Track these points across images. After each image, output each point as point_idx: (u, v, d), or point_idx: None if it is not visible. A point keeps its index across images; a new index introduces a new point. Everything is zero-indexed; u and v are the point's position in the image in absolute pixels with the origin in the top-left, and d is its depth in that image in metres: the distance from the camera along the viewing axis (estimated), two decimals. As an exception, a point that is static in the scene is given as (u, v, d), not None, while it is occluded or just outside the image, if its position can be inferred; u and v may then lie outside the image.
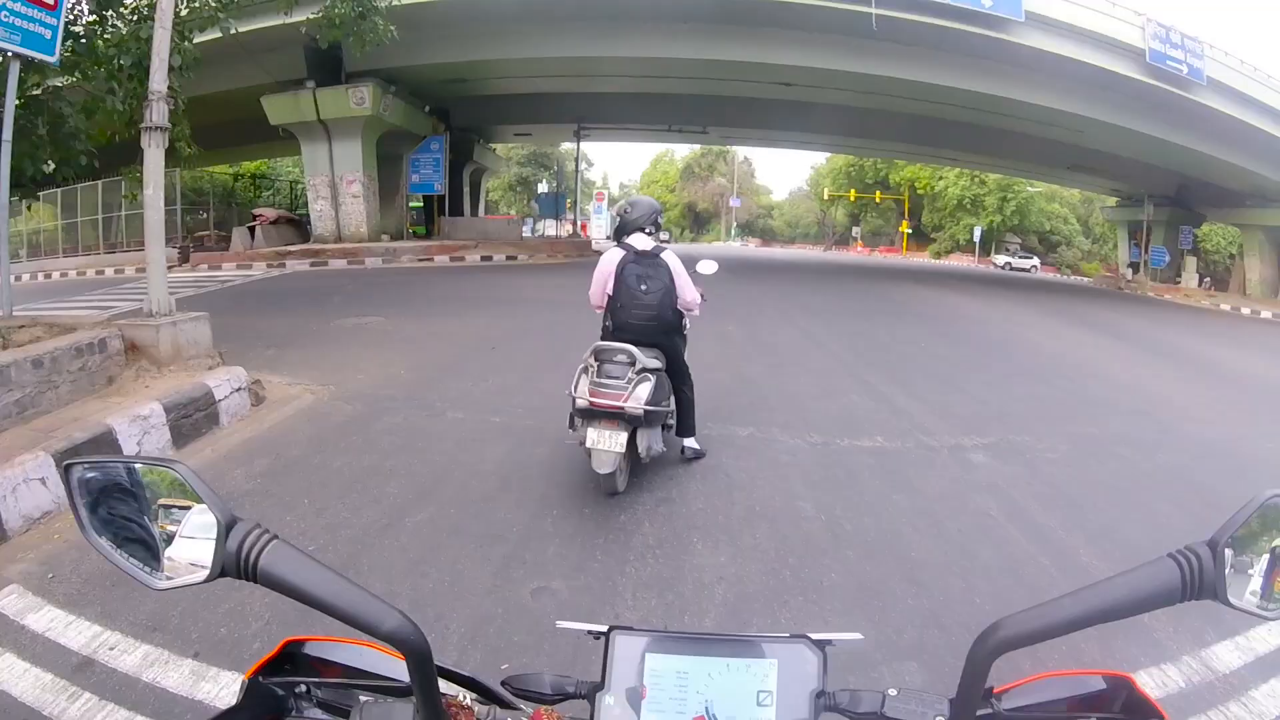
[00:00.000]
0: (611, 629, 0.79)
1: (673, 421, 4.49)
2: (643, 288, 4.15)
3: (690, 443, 4.63)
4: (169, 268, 13.49)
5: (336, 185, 20.40)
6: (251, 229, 20.63)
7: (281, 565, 0.67)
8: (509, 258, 20.75)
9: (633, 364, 3.90)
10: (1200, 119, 19.67)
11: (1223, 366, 10.25)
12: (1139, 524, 4.14)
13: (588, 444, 3.84)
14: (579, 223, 34.21)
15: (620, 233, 4.41)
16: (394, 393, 6.12)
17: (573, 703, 0.79)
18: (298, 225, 22.48)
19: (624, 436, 3.81)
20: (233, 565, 0.67)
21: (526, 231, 31.96)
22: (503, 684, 0.81)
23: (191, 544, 0.71)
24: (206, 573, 0.69)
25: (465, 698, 0.80)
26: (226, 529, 0.68)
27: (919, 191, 47.37)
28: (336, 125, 19.70)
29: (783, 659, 0.77)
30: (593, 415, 3.84)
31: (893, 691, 0.75)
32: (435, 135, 23.07)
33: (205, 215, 25.00)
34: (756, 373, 7.60)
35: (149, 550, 0.71)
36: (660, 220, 4.43)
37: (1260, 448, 5.83)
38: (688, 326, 4.60)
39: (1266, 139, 20.26)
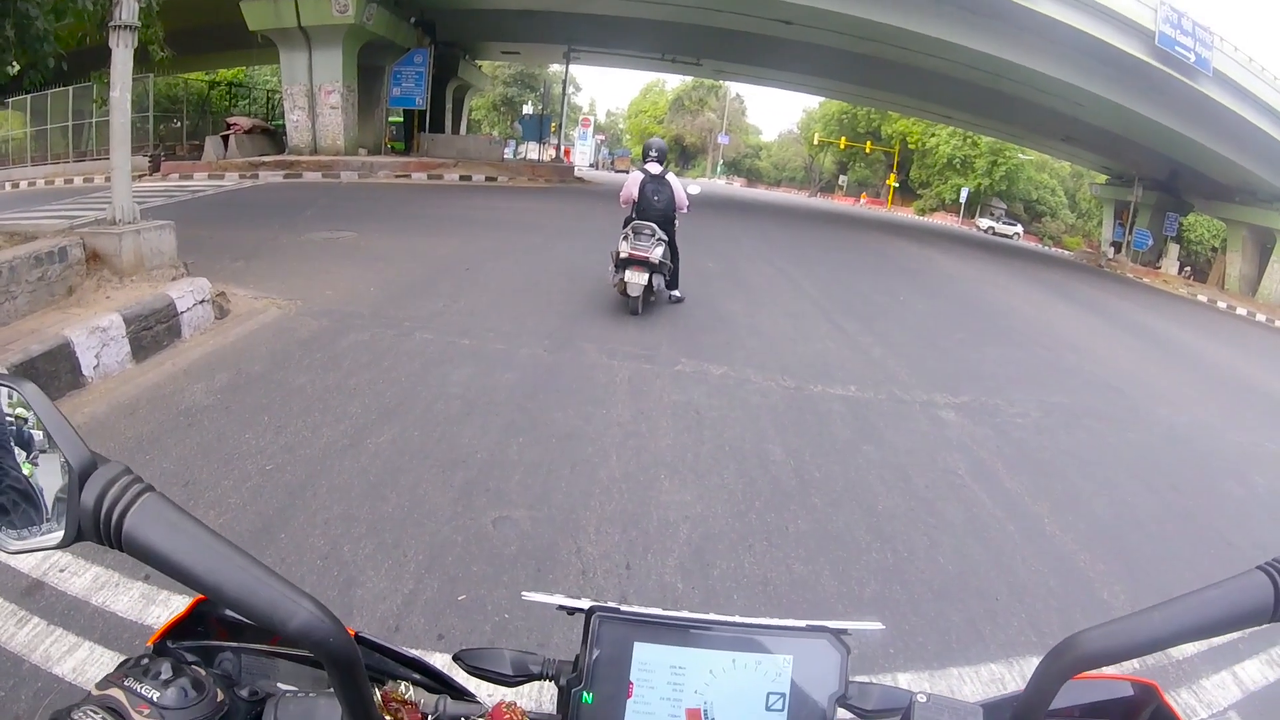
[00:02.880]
0: (593, 609, 0.65)
1: (670, 278, 6.98)
2: (655, 198, 6.70)
3: (675, 292, 7.26)
4: (139, 177, 12.82)
5: (314, 95, 19.64)
6: (225, 138, 19.82)
7: (153, 529, 0.50)
8: (488, 179, 20.25)
9: (654, 235, 6.48)
10: (1201, 110, 19.48)
11: (1196, 355, 10.34)
12: (1105, 499, 4.16)
13: (625, 279, 6.43)
14: (563, 148, 33.36)
15: (644, 158, 6.90)
16: (362, 310, 5.94)
17: (539, 686, 0.67)
18: (273, 136, 21.66)
19: (646, 276, 6.44)
20: (90, 526, 0.50)
21: (508, 153, 31.12)
22: (455, 659, 0.68)
23: (55, 494, 0.52)
24: (61, 534, 0.51)
25: (406, 689, 0.67)
26: (81, 477, 0.50)
27: (910, 146, 46.85)
28: (317, 33, 18.83)
29: (799, 656, 0.64)
30: (629, 263, 6.42)
31: (921, 697, 0.64)
32: (419, 48, 22.05)
33: (178, 124, 23.92)
34: (733, 311, 7.56)
35: (26, 499, 0.53)
36: (665, 156, 6.93)
37: (1228, 439, 5.88)
38: (679, 224, 6.99)
39: (1263, 138, 20.17)
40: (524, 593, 0.75)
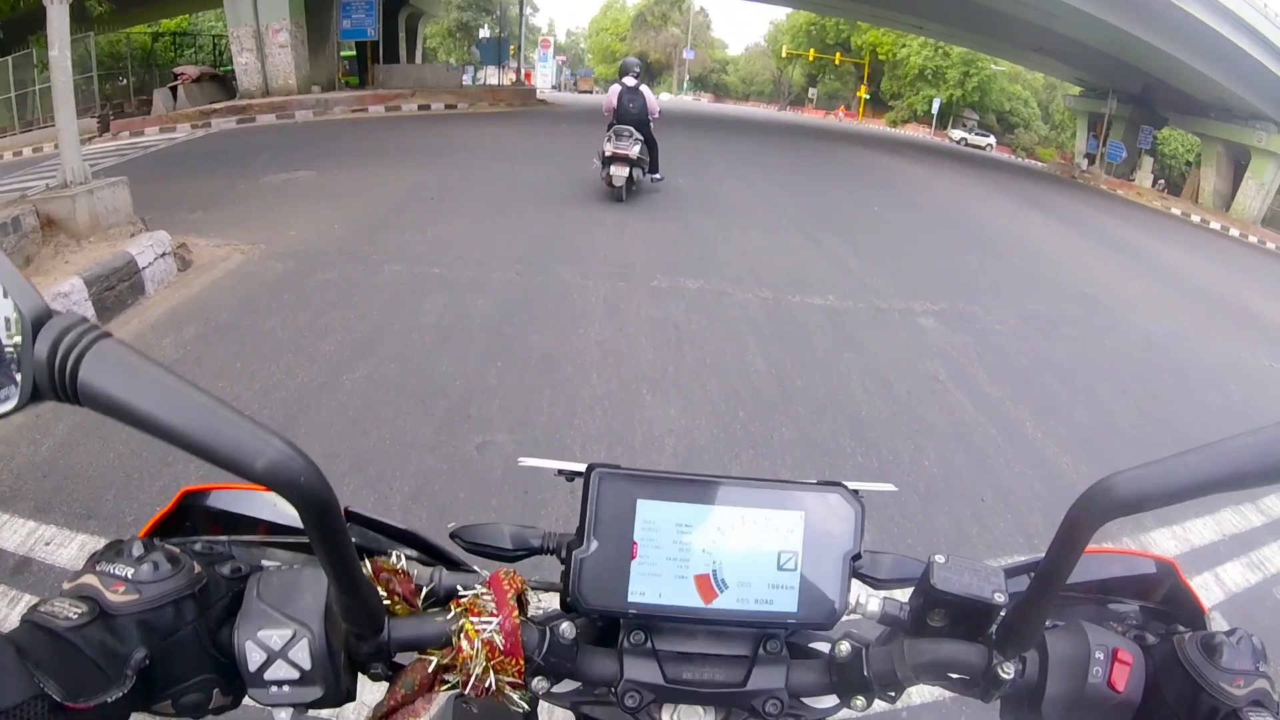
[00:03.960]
0: (591, 467, 0.61)
1: (649, 167, 8.36)
2: (631, 105, 8.03)
3: (655, 176, 8.64)
4: (89, 139, 12.21)
5: (262, 36, 18.72)
6: (174, 89, 18.94)
7: (109, 375, 0.44)
8: (448, 107, 19.72)
9: (631, 136, 7.81)
10: (1178, 24, 19.05)
11: (1171, 267, 10.35)
12: (1084, 404, 4.22)
13: (610, 173, 7.82)
14: (523, 71, 32.34)
15: (621, 74, 8.25)
16: (327, 248, 5.76)
17: (539, 560, 0.63)
18: (223, 82, 20.69)
19: (628, 170, 7.84)
20: (45, 380, 0.44)
21: (467, 79, 30.11)
22: (451, 536, 0.65)
23: (12, 355, 0.46)
24: (17, 396, 0.45)
25: (398, 558, 0.63)
26: (34, 328, 0.44)
27: (880, 57, 45.86)
28: (260, -29, 17.83)
29: (812, 512, 0.60)
30: (612, 160, 7.76)
31: (940, 558, 0.59)
32: (369, -24, 21.01)
33: (124, 81, 22.77)
34: (707, 227, 7.53)
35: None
36: (639, 71, 8.31)
37: (1205, 350, 5.95)
38: (652, 126, 8.28)
39: (1241, 56, 19.80)
40: (520, 458, 0.72)
